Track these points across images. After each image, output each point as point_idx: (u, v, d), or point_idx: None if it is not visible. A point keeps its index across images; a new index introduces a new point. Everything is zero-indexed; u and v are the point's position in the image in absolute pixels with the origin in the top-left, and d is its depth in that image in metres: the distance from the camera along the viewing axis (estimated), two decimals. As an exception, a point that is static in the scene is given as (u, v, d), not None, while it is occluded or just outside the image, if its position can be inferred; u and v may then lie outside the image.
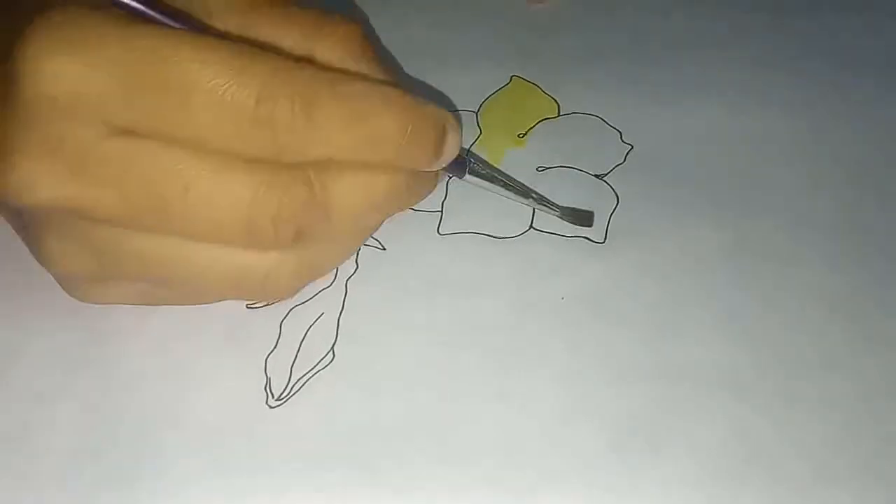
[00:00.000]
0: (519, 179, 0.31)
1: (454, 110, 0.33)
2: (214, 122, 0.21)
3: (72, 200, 0.22)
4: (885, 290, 0.28)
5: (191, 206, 0.22)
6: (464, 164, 0.28)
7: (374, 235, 0.29)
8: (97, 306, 0.27)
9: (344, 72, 0.24)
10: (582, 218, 0.30)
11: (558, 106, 0.33)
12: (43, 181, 0.22)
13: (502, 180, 0.29)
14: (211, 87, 0.21)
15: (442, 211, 0.30)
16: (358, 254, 0.29)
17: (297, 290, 0.27)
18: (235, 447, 0.24)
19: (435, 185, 0.28)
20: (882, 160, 0.32)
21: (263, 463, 0.24)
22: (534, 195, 0.30)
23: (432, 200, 0.30)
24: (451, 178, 0.30)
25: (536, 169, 0.31)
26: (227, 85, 0.21)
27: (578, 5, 0.38)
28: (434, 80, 0.34)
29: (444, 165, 0.26)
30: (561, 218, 0.30)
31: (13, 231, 0.28)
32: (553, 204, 0.30)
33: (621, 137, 0.32)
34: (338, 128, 0.22)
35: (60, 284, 0.26)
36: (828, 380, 0.26)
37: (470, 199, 0.30)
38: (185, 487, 0.24)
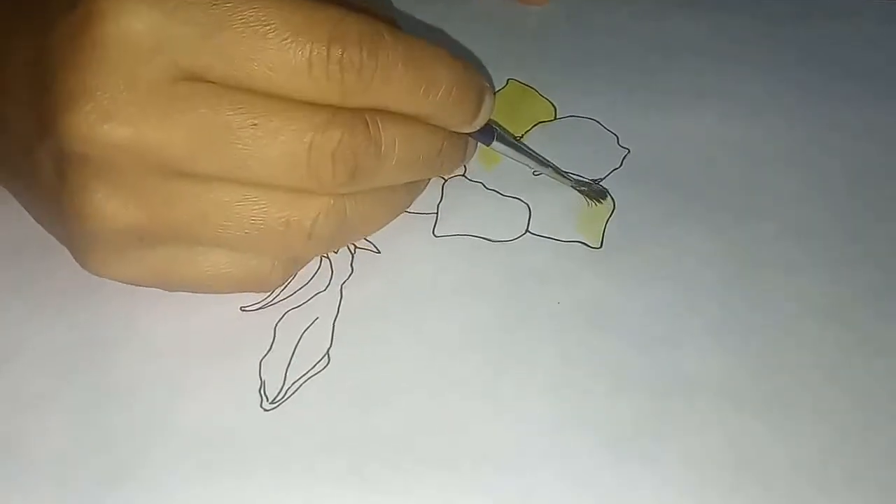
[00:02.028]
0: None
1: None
2: (288, 65, 0.23)
3: (143, 138, 0.22)
4: (881, 297, 0.28)
5: (256, 145, 0.23)
6: (492, 131, 0.29)
7: (368, 238, 0.29)
8: (90, 308, 0.27)
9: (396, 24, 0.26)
10: (594, 192, 0.30)
11: (555, 109, 0.33)
12: (109, 122, 0.22)
13: (525, 150, 0.30)
14: (284, 29, 0.22)
15: (437, 213, 0.30)
16: (353, 257, 0.29)
17: (334, 245, 0.28)
18: (229, 450, 0.24)
19: (465, 155, 0.30)
20: (878, 167, 0.32)
21: (257, 466, 0.24)
22: (552, 166, 0.30)
23: (427, 202, 0.30)
24: (447, 180, 0.30)
25: (533, 173, 0.31)
26: (299, 27, 0.22)
27: (575, 8, 0.38)
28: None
29: (477, 128, 0.27)
30: (576, 189, 0.30)
31: (3, 235, 0.27)
32: (567, 175, 0.31)
33: (618, 141, 0.32)
34: (398, 72, 0.24)
35: (81, 251, 0.25)
36: (824, 388, 0.26)
37: (466, 201, 0.30)
38: (179, 490, 0.24)
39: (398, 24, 0.27)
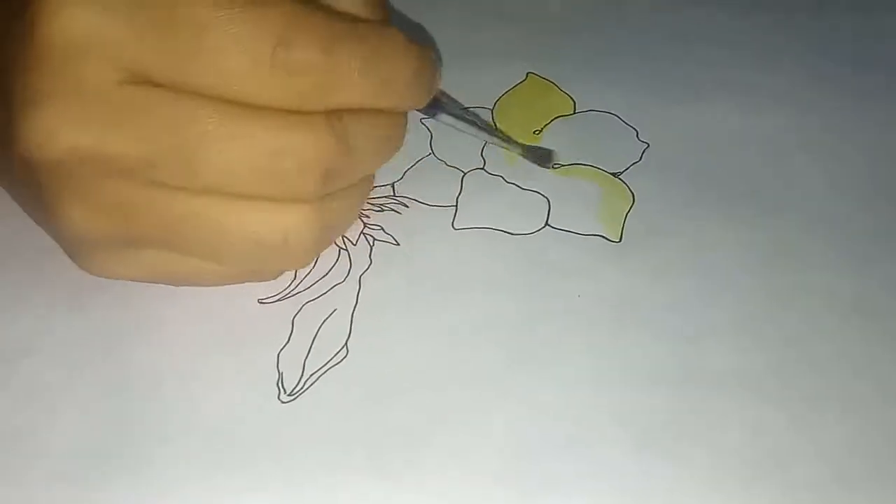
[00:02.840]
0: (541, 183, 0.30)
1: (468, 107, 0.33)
2: (233, 68, 0.21)
3: (91, 149, 0.21)
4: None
5: (211, 153, 0.22)
6: (437, 102, 0.28)
7: (387, 231, 0.29)
8: (106, 300, 0.27)
9: (351, 15, 0.24)
10: (541, 156, 0.30)
11: (574, 103, 0.33)
12: (63, 129, 0.21)
13: (468, 118, 0.29)
14: (227, 29, 0.21)
15: (456, 206, 0.30)
16: (371, 249, 0.28)
17: (314, 253, 0.26)
18: (247, 442, 0.24)
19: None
20: (899, 159, 0.31)
21: (275, 457, 0.24)
22: (498, 134, 0.30)
23: (447, 195, 0.30)
24: (466, 172, 0.30)
25: (552, 166, 0.31)
26: (244, 28, 0.21)
27: (594, 3, 0.37)
28: (450, 77, 0.33)
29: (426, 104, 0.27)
30: (522, 156, 0.30)
31: (15, 228, 0.27)
32: (515, 142, 0.30)
33: (637, 136, 0.32)
34: (355, 73, 0.22)
35: (72, 254, 0.26)
36: (847, 382, 0.26)
37: (485, 194, 0.30)
38: (196, 482, 0.23)
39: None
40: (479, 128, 0.30)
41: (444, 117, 0.29)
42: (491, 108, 0.33)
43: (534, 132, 0.32)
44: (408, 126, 0.27)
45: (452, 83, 0.33)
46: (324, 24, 0.22)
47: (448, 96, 0.29)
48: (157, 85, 0.21)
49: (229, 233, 0.23)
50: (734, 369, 0.26)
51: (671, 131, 0.32)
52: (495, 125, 0.30)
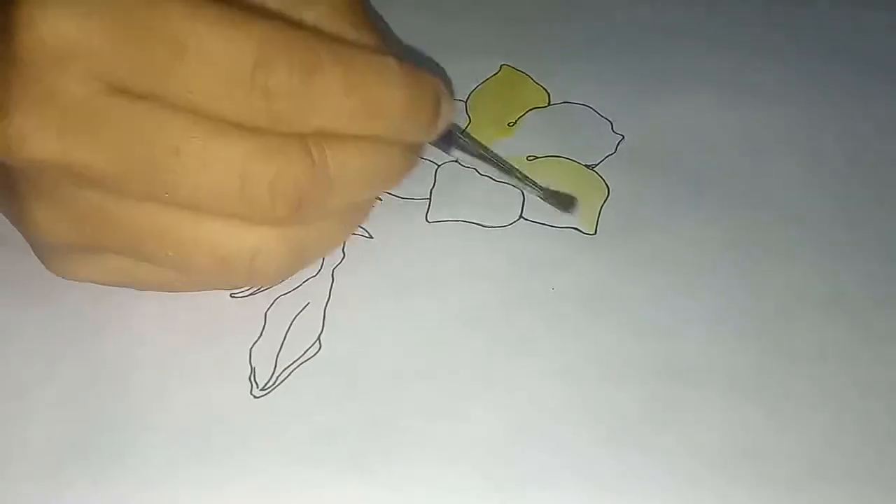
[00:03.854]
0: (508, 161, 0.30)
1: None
2: (208, 84, 0.21)
3: (61, 156, 0.21)
4: (881, 284, 0.28)
5: (181, 169, 0.21)
6: (451, 137, 0.27)
7: (360, 224, 0.29)
8: (79, 296, 0.26)
9: (338, 38, 0.24)
10: (564, 202, 0.29)
11: (548, 95, 0.33)
12: (34, 135, 0.21)
13: (487, 156, 0.29)
14: (205, 47, 0.20)
15: (430, 198, 0.30)
16: (345, 242, 0.28)
17: (284, 276, 0.26)
18: (219, 437, 0.24)
19: (418, 159, 0.28)
20: (877, 153, 0.31)
21: (248, 452, 0.24)
22: (517, 174, 0.29)
23: (420, 187, 0.30)
24: (440, 165, 0.30)
25: (527, 158, 0.31)
26: (222, 45, 0.21)
27: (569, -6, 0.37)
28: (423, 68, 0.33)
29: (435, 137, 0.26)
30: (542, 199, 0.29)
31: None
32: (536, 185, 0.29)
33: (612, 128, 0.32)
34: (337, 97, 0.22)
35: (39, 255, 0.26)
36: (824, 375, 0.26)
37: (458, 186, 0.30)
38: (169, 477, 0.23)
39: (361, 6, 0.25)
40: (499, 167, 0.29)
41: (458, 153, 0.28)
42: (465, 100, 0.33)
43: (508, 124, 0.32)
44: (418, 161, 0.27)
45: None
46: (306, 45, 0.21)
47: (465, 132, 0.28)
48: (134, 97, 0.21)
49: (195, 249, 0.23)
50: (710, 363, 0.26)
51: (646, 123, 0.32)
52: (515, 167, 0.29)
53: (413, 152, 0.27)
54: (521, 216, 0.29)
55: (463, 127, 0.32)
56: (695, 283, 0.28)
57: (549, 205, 0.29)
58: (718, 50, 0.35)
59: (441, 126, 0.26)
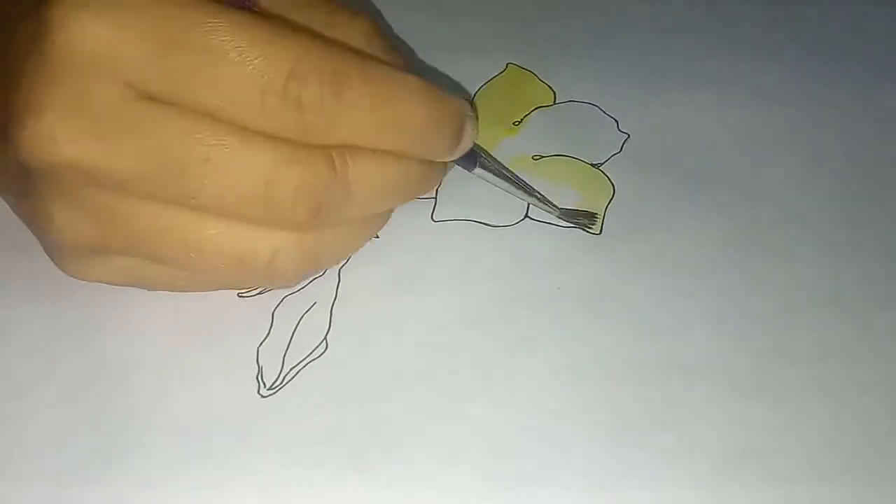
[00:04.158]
0: (520, 175, 0.30)
1: (470, 100, 0.33)
2: (241, 94, 0.21)
3: (90, 160, 0.21)
4: (881, 282, 0.28)
5: (210, 176, 0.22)
6: (475, 157, 0.28)
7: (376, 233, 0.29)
8: (83, 294, 0.26)
9: (368, 56, 0.24)
10: (581, 220, 0.29)
11: (554, 94, 0.33)
12: (63, 137, 0.21)
13: (508, 177, 0.29)
14: (240, 58, 0.21)
15: (436, 198, 0.30)
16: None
17: (299, 278, 0.26)
18: (227, 436, 0.24)
19: (443, 175, 0.28)
20: (877, 152, 0.31)
21: (255, 451, 0.24)
22: (537, 195, 0.29)
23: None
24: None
25: (532, 157, 0.31)
26: (257, 59, 0.21)
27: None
28: (429, 67, 0.33)
29: (458, 157, 0.26)
30: (560, 217, 0.29)
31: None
32: (555, 206, 0.29)
33: (618, 126, 0.32)
34: (365, 112, 0.22)
35: (51, 255, 0.26)
36: (824, 374, 0.26)
37: (464, 186, 0.30)
38: (174, 477, 0.23)
39: (382, 32, 0.26)
40: (518, 187, 0.29)
41: (481, 172, 0.28)
42: (471, 98, 0.33)
43: (514, 123, 0.32)
44: (440, 179, 0.28)
45: (431, 74, 0.33)
46: (337, 61, 0.22)
47: (486, 152, 0.29)
48: (165, 103, 0.21)
49: (216, 251, 0.24)
50: (711, 362, 0.26)
51: (652, 122, 0.32)
52: (533, 187, 0.29)
53: (435, 170, 0.27)
54: (526, 216, 0.29)
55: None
56: (697, 283, 0.28)
57: (568, 222, 0.29)
58: (722, 49, 0.35)
59: (464, 147, 0.26)
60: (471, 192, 0.30)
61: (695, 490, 0.23)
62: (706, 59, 0.34)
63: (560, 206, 0.29)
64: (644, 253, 0.28)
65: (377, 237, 0.28)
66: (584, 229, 0.29)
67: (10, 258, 0.27)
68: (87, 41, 0.21)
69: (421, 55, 0.34)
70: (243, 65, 0.21)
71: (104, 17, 0.21)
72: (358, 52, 0.24)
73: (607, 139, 0.32)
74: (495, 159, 0.30)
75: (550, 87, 0.33)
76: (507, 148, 0.31)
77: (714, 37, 0.35)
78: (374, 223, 0.28)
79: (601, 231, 0.29)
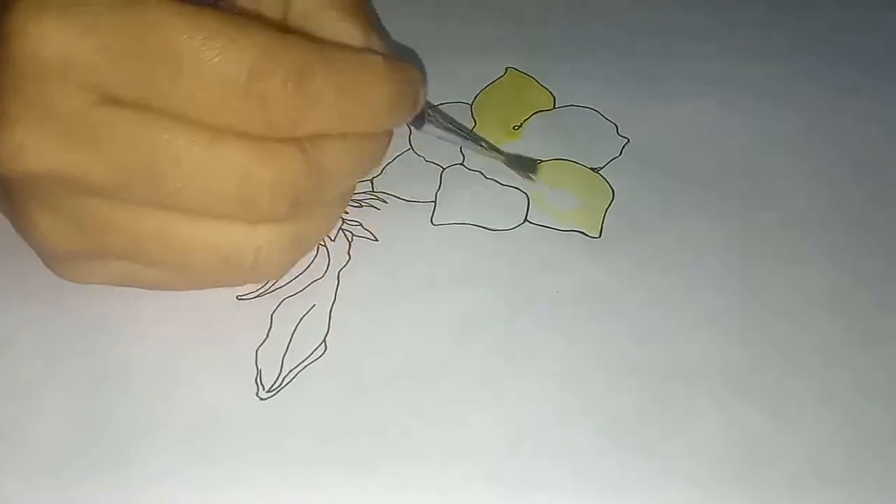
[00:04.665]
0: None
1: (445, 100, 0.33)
2: (204, 94, 0.21)
3: (61, 168, 0.21)
4: (882, 286, 0.28)
5: (183, 176, 0.22)
6: (423, 115, 0.28)
7: (366, 226, 0.29)
8: (85, 296, 0.26)
9: (327, 41, 0.24)
10: (526, 166, 0.30)
11: (554, 98, 0.33)
12: (31, 148, 0.21)
13: (454, 129, 0.29)
14: (200, 58, 0.21)
15: (435, 201, 0.30)
16: (350, 245, 0.28)
17: (285, 269, 0.26)
18: (225, 438, 0.24)
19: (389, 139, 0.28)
20: (880, 155, 0.32)
21: (254, 454, 0.24)
22: (483, 143, 0.30)
23: (425, 191, 0.30)
24: (445, 168, 0.31)
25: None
26: (217, 57, 0.21)
27: (575, -3, 0.38)
28: (428, 71, 0.33)
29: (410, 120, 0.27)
30: (506, 164, 0.30)
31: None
32: (500, 152, 0.30)
33: (617, 131, 0.32)
34: (330, 101, 0.22)
35: (45, 261, 0.26)
36: (825, 376, 0.26)
37: (464, 189, 0.30)
38: (174, 477, 0.23)
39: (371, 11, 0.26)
40: (464, 137, 0.30)
41: (428, 127, 0.29)
42: (470, 103, 0.33)
43: (513, 127, 0.32)
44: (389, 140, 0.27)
45: (431, 78, 0.33)
46: (298, 54, 0.22)
47: (431, 105, 0.29)
48: (132, 107, 0.21)
49: (199, 251, 0.24)
50: (712, 364, 0.26)
51: (651, 127, 0.32)
52: (474, 122, 0.30)
53: (389, 136, 0.27)
54: (525, 219, 0.29)
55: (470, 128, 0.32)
56: (698, 285, 0.28)
57: (512, 170, 0.30)
58: (722, 52, 0.35)
59: (419, 109, 0.27)
60: (470, 195, 0.30)
61: (694, 493, 0.23)
62: (705, 63, 0.35)
63: (506, 153, 0.30)
64: (643, 256, 0.28)
65: (376, 240, 0.28)
66: (528, 177, 0.30)
67: (12, 260, 0.27)
68: (46, 49, 0.20)
69: (421, 59, 0.34)
70: (203, 63, 0.21)
71: (62, 25, 0.20)
72: (319, 41, 0.24)
73: (607, 143, 0.32)
74: (440, 111, 0.30)
75: (550, 92, 0.33)
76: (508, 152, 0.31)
77: (713, 41, 0.35)
78: (344, 199, 0.28)
79: (601, 234, 0.29)
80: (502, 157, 0.30)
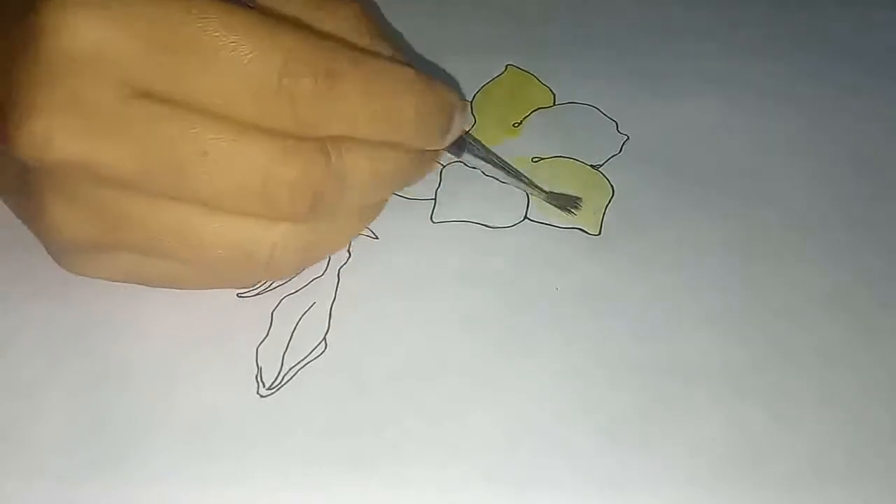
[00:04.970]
0: (514, 165, 0.30)
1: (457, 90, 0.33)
2: (235, 90, 0.21)
3: (87, 158, 0.21)
4: (883, 284, 0.28)
5: (207, 170, 0.22)
6: (463, 143, 0.28)
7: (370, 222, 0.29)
8: (86, 294, 0.26)
9: (358, 48, 0.24)
10: (568, 203, 0.30)
11: (553, 95, 0.33)
12: (60, 136, 0.21)
13: (496, 162, 0.29)
14: (233, 54, 0.21)
15: (435, 199, 0.30)
16: (350, 242, 0.28)
17: (296, 270, 0.27)
18: (226, 436, 0.24)
19: (435, 164, 0.29)
20: (881, 154, 0.32)
21: (254, 451, 0.24)
22: (524, 178, 0.30)
23: (425, 188, 0.30)
24: (445, 165, 0.30)
25: (532, 159, 0.31)
26: (250, 54, 0.21)
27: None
28: (428, 68, 0.33)
29: (448, 144, 0.26)
30: (547, 202, 0.30)
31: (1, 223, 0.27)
32: (541, 189, 0.30)
33: (617, 128, 0.32)
34: (357, 103, 0.23)
35: (51, 252, 0.26)
36: (826, 375, 0.26)
37: (464, 187, 0.30)
38: (175, 475, 0.23)
39: (373, 18, 0.26)
40: (507, 172, 0.29)
41: (467, 157, 0.29)
42: (470, 100, 0.33)
43: (513, 125, 0.32)
44: (434, 166, 0.28)
45: (433, 74, 0.33)
46: (328, 54, 0.22)
47: (473, 138, 0.29)
48: (161, 100, 0.22)
49: (216, 245, 0.24)
50: (712, 362, 0.26)
51: (651, 124, 0.32)
52: (522, 172, 0.30)
53: (427, 158, 0.27)
54: (525, 217, 0.29)
55: (468, 127, 0.32)
56: (698, 284, 0.28)
57: (553, 206, 0.29)
58: (723, 51, 0.35)
59: (453, 135, 0.26)
60: (470, 193, 0.30)
61: (694, 491, 0.23)
62: (708, 60, 0.34)
63: (547, 190, 0.30)
64: (643, 254, 0.28)
65: (376, 237, 0.28)
66: (569, 211, 0.29)
67: (15, 258, 0.27)
68: (80, 41, 0.21)
69: (421, 56, 0.34)
70: (236, 60, 0.21)
71: (96, 17, 0.21)
72: (349, 44, 0.24)
73: (607, 141, 0.32)
74: (483, 145, 0.30)
75: (550, 89, 0.33)
76: (507, 149, 0.31)
77: (716, 38, 0.35)
78: (369, 213, 0.28)
79: (600, 232, 0.29)
80: (544, 195, 0.30)
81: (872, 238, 0.29)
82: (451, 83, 0.33)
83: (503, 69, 0.34)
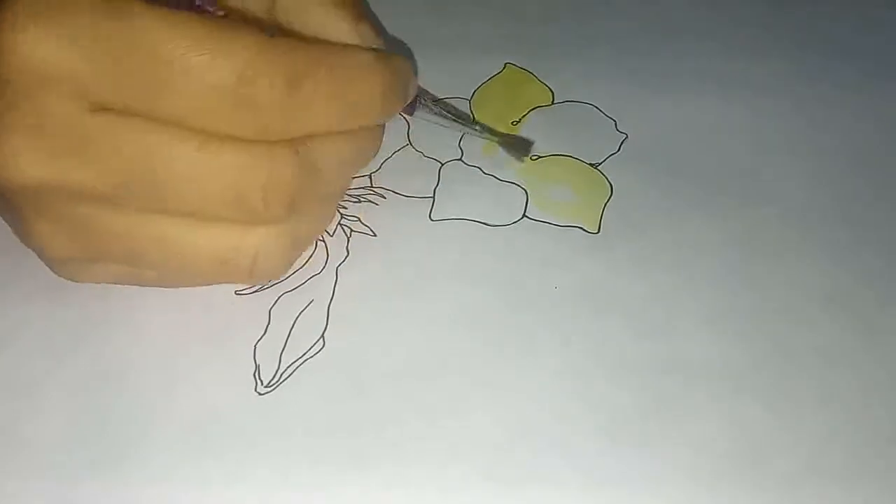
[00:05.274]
0: (519, 175, 0.30)
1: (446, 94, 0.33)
2: (194, 101, 0.21)
3: (55, 178, 0.21)
4: (882, 282, 0.28)
5: (176, 182, 0.22)
6: (414, 102, 0.28)
7: (364, 222, 0.29)
8: (85, 293, 0.26)
9: (316, 39, 0.24)
10: (518, 146, 0.30)
11: (552, 94, 0.33)
12: (24, 159, 0.21)
13: (445, 111, 0.29)
14: (189, 65, 0.21)
15: (434, 197, 0.30)
16: (349, 240, 0.28)
17: (284, 269, 0.26)
18: (224, 434, 0.24)
19: (382, 130, 0.28)
20: (879, 151, 0.32)
21: (252, 449, 0.24)
22: (477, 124, 0.30)
23: (424, 186, 0.30)
24: (443, 164, 0.30)
25: (530, 157, 0.31)
26: (206, 64, 0.21)
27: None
28: (427, 67, 0.33)
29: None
30: (500, 145, 0.30)
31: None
32: (494, 132, 0.30)
33: (616, 126, 0.32)
34: (320, 104, 0.22)
35: (47, 263, 0.26)
36: (824, 373, 0.26)
37: (462, 185, 0.30)
38: (174, 474, 0.23)
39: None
40: (456, 119, 0.29)
41: (420, 113, 0.29)
42: (469, 98, 0.33)
43: (512, 123, 0.32)
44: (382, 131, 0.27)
45: (430, 74, 0.33)
46: (288, 59, 0.22)
47: (423, 90, 0.29)
48: (122, 115, 0.21)
49: (196, 255, 0.24)
50: (711, 361, 0.26)
51: (650, 122, 0.32)
52: (473, 115, 0.30)
53: (379, 128, 0.27)
54: (524, 215, 0.29)
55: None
56: (697, 282, 0.28)
57: (507, 151, 0.30)
58: (722, 49, 0.35)
59: (410, 98, 0.27)
60: (469, 191, 0.30)
61: (694, 490, 0.23)
62: (706, 58, 0.34)
63: (502, 133, 0.30)
64: (642, 252, 0.28)
65: (375, 235, 0.28)
66: (521, 158, 0.30)
67: (14, 259, 0.27)
68: (37, 61, 0.20)
69: (420, 55, 0.34)
70: (191, 71, 0.21)
71: (50, 37, 0.20)
72: (306, 41, 0.23)
73: (605, 139, 0.32)
74: (431, 95, 0.30)
75: (549, 87, 0.33)
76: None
77: (715, 37, 0.35)
78: (343, 191, 0.28)
79: (599, 230, 0.29)
80: (496, 138, 0.30)
81: (872, 236, 0.29)
82: (448, 79, 0.33)
83: (502, 67, 0.34)
